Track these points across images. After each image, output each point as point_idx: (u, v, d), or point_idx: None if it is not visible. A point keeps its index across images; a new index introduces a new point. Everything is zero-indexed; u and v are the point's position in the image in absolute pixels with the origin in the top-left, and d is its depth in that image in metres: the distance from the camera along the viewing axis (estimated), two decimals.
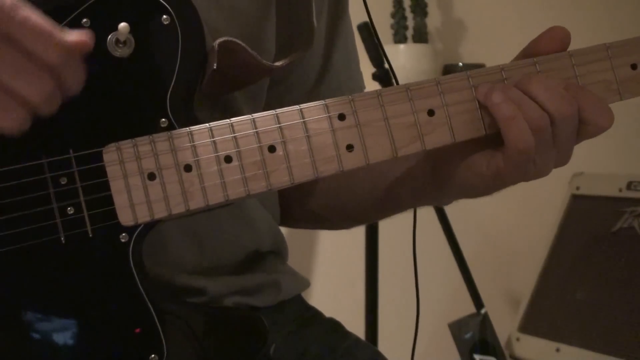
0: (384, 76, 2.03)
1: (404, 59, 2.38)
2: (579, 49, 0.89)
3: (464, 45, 2.55)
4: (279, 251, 1.08)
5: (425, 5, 2.48)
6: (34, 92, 0.70)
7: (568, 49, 0.89)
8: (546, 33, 0.89)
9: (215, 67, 0.81)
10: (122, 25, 0.78)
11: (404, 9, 2.47)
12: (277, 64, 0.90)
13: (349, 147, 0.83)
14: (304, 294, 1.11)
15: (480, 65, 2.39)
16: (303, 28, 0.96)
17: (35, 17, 0.70)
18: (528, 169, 0.86)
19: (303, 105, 0.83)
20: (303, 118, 0.83)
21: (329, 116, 0.83)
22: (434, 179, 0.94)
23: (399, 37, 2.46)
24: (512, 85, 0.85)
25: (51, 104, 0.72)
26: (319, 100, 1.09)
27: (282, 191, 1.08)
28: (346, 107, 0.84)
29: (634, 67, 0.89)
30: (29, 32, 0.69)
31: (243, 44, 0.83)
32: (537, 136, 0.83)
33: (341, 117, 0.83)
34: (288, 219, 1.14)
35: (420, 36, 2.47)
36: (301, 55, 0.95)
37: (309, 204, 1.11)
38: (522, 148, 0.83)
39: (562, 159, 0.88)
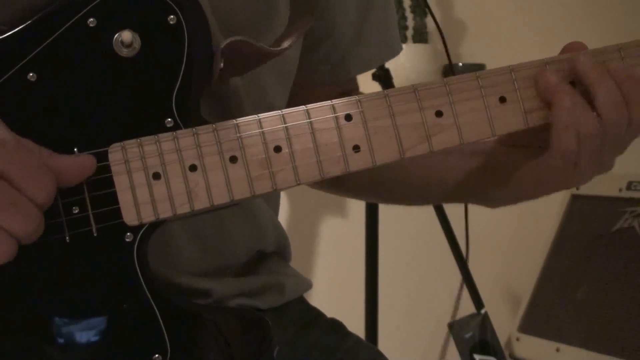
0: (384, 76, 2.03)
1: (404, 59, 2.37)
2: (591, 49, 0.89)
3: (464, 45, 2.55)
4: (282, 252, 1.08)
5: (426, 5, 2.48)
6: (22, 227, 0.72)
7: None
8: (566, 48, 0.90)
9: (222, 67, 0.81)
10: (126, 33, 0.78)
11: (404, 9, 2.47)
12: (285, 46, 0.89)
13: (356, 148, 0.83)
14: (305, 295, 1.11)
15: (480, 65, 2.40)
16: None
17: (32, 158, 0.73)
18: (570, 173, 0.88)
19: (309, 106, 0.83)
20: (309, 118, 0.82)
21: (336, 116, 0.83)
22: (483, 183, 0.95)
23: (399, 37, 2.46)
24: (581, 72, 0.86)
25: (36, 236, 0.74)
26: (355, 65, 1.09)
27: None
28: (353, 107, 0.83)
29: None
30: (23, 172, 0.72)
31: (249, 40, 0.83)
32: (585, 142, 0.85)
33: (348, 117, 0.83)
34: (339, 187, 1.15)
35: (420, 36, 2.47)
36: (308, 24, 0.93)
37: (360, 179, 1.12)
38: (565, 150, 0.85)
39: (605, 166, 0.89)
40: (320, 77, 1.09)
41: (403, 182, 1.07)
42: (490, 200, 0.97)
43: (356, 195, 1.18)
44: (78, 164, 0.76)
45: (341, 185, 1.14)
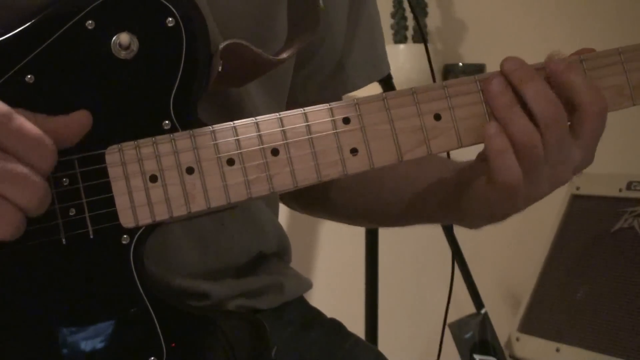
0: (385, 77, 2.03)
1: (404, 59, 2.38)
2: (590, 53, 0.88)
3: (464, 45, 2.55)
4: (282, 253, 1.08)
5: (425, 5, 2.48)
6: (28, 198, 0.72)
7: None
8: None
9: (220, 70, 0.81)
10: (124, 36, 0.78)
11: (404, 9, 2.47)
12: (283, 56, 0.89)
13: (354, 151, 0.83)
14: (305, 295, 1.11)
15: (480, 65, 2.40)
16: (309, 10, 0.94)
17: (29, 125, 0.72)
18: (516, 201, 0.86)
19: (307, 109, 0.82)
20: (307, 121, 0.82)
21: (333, 119, 0.83)
22: (455, 196, 0.94)
23: (399, 37, 2.46)
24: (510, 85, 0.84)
25: (44, 206, 0.74)
26: (342, 85, 1.08)
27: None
28: (351, 110, 0.83)
29: None
30: (23, 141, 0.72)
31: (247, 44, 0.83)
32: (525, 157, 0.83)
33: (346, 120, 0.83)
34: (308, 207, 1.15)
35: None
36: (308, 39, 0.94)
37: (334, 199, 1.11)
38: (508, 181, 0.83)
39: (559, 177, 0.86)
40: (307, 95, 1.09)
41: (377, 198, 1.07)
42: (466, 215, 0.95)
43: (339, 216, 1.18)
44: (74, 121, 0.76)
45: (323, 205, 1.14)
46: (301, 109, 0.82)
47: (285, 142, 0.81)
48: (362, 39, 1.11)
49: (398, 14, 2.45)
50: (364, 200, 1.09)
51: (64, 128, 0.76)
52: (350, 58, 1.10)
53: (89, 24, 0.78)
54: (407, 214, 1.05)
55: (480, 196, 0.88)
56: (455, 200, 0.93)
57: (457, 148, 0.85)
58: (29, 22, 0.78)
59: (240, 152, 0.80)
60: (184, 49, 0.80)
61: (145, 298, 0.79)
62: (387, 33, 2.48)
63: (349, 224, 1.23)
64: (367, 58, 1.12)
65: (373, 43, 1.14)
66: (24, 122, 0.72)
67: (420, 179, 1.00)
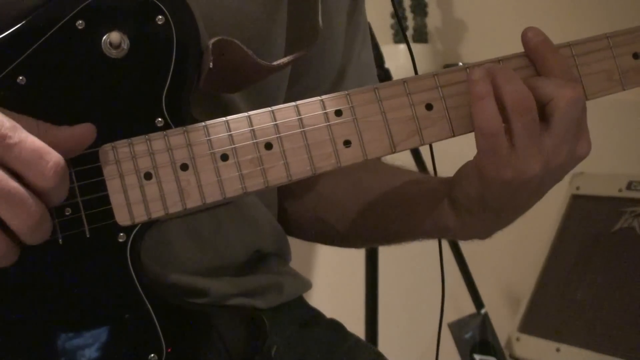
0: (384, 76, 2.03)
1: (404, 59, 2.37)
2: (578, 39, 0.88)
3: (464, 45, 2.55)
4: (281, 252, 1.08)
5: (425, 5, 2.48)
6: (23, 223, 0.71)
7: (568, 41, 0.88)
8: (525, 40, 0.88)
9: (211, 66, 0.81)
10: (114, 34, 0.78)
11: (404, 9, 2.47)
12: (275, 63, 0.89)
13: (347, 143, 0.83)
14: (304, 295, 1.11)
15: None
16: (308, 27, 0.95)
17: (30, 139, 0.70)
18: (501, 157, 0.83)
19: (299, 102, 0.83)
20: (299, 114, 0.82)
21: (326, 112, 0.83)
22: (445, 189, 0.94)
23: (399, 37, 2.46)
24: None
25: (39, 234, 0.72)
26: None
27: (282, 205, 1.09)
28: (343, 102, 0.83)
29: (635, 56, 0.88)
30: (23, 156, 0.70)
31: (238, 42, 0.83)
32: (518, 118, 0.81)
33: (338, 112, 0.83)
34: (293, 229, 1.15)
35: (420, 36, 2.48)
36: (303, 54, 0.94)
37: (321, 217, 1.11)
38: (487, 127, 0.82)
39: (556, 158, 0.84)
40: None
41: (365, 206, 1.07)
42: (456, 206, 0.94)
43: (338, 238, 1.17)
44: (77, 134, 0.76)
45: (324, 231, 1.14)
46: (293, 103, 0.82)
47: (278, 135, 0.81)
48: (356, 62, 1.11)
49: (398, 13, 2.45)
50: (359, 216, 1.08)
51: (66, 140, 0.75)
52: (346, 80, 1.10)
53: (79, 24, 0.78)
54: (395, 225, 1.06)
55: (470, 174, 0.87)
56: (445, 193, 0.93)
57: (450, 137, 0.85)
58: (19, 23, 0.78)
59: (234, 147, 0.80)
60: (175, 46, 0.80)
61: (143, 295, 0.79)
62: (387, 33, 2.48)
63: (347, 246, 1.23)
64: (362, 79, 1.12)
65: (368, 65, 1.14)
66: (25, 137, 0.71)
67: (408, 190, 1.02)
